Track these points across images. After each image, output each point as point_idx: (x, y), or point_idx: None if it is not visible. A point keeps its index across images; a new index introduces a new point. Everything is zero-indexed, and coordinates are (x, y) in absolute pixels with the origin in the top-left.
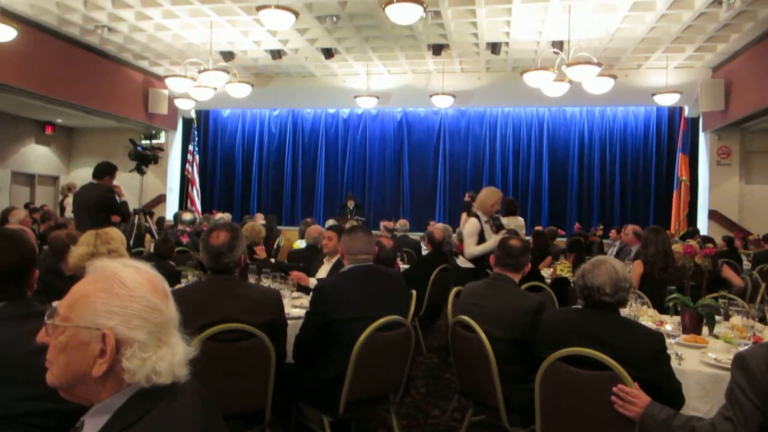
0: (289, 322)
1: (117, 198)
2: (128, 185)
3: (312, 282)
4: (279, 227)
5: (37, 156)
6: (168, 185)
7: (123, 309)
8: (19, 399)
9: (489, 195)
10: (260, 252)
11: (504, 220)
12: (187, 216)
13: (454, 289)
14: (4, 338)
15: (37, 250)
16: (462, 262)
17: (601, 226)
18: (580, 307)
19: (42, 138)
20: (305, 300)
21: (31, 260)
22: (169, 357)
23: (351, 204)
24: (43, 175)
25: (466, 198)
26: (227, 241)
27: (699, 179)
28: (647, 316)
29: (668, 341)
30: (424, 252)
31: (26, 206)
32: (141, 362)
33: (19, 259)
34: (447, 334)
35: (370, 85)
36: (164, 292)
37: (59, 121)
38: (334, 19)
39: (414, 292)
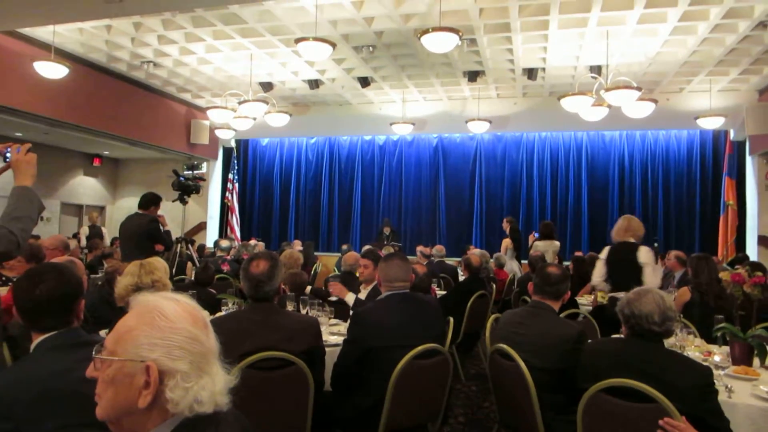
0: (327, 349)
1: (161, 227)
2: (170, 213)
3: (350, 297)
4: (316, 254)
5: (85, 187)
6: (208, 213)
7: (165, 341)
8: (66, 426)
9: (639, 222)
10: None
11: (540, 244)
12: (224, 243)
13: (492, 316)
14: (54, 367)
15: (86, 279)
16: None
17: None
18: (623, 336)
19: (90, 170)
20: (343, 327)
21: (78, 291)
22: (210, 386)
23: (387, 230)
24: (90, 205)
25: (504, 224)
26: (267, 269)
27: (747, 204)
28: (694, 346)
29: (717, 373)
30: (461, 278)
31: (74, 236)
32: (184, 392)
33: (67, 290)
34: (485, 361)
35: (406, 112)
36: (204, 322)
37: (106, 153)
38: (371, 48)
39: (451, 319)
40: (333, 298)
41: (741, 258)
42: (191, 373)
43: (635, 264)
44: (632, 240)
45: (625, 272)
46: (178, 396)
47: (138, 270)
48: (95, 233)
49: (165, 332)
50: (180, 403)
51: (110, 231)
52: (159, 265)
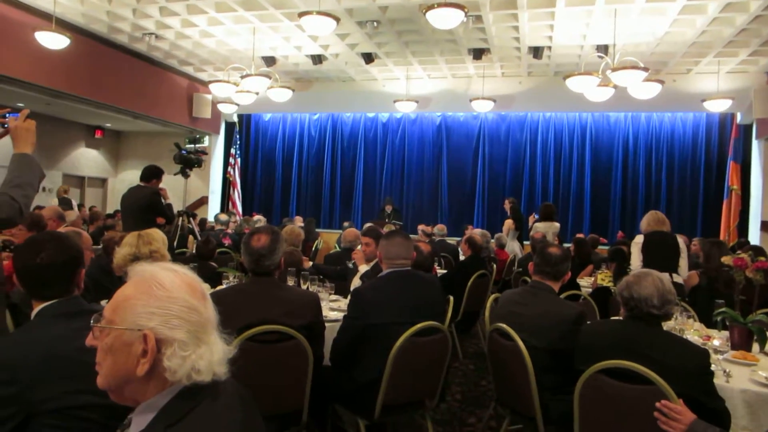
0: (326, 325)
1: (162, 200)
2: (172, 187)
3: (362, 268)
4: (317, 230)
5: (87, 159)
6: (210, 187)
7: (162, 310)
8: (67, 392)
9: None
10: (305, 263)
11: (540, 225)
12: (223, 217)
13: (492, 296)
14: (54, 335)
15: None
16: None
17: None
18: (621, 318)
19: (92, 141)
20: (343, 303)
21: (78, 260)
22: (208, 356)
23: (389, 208)
24: (92, 177)
25: (506, 205)
26: (268, 243)
27: (751, 189)
28: (693, 330)
29: (716, 357)
30: (461, 257)
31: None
32: (181, 360)
33: (68, 259)
34: (484, 340)
35: (410, 90)
36: (201, 293)
37: (108, 125)
38: (375, 24)
39: (451, 298)
40: (350, 264)
41: (742, 243)
42: (189, 343)
43: (674, 250)
44: (665, 230)
45: (665, 258)
46: (176, 364)
47: (136, 240)
48: (65, 205)
49: (162, 301)
50: (178, 371)
51: (112, 203)
52: (157, 235)
